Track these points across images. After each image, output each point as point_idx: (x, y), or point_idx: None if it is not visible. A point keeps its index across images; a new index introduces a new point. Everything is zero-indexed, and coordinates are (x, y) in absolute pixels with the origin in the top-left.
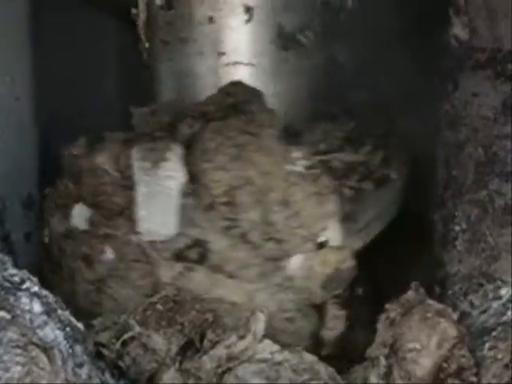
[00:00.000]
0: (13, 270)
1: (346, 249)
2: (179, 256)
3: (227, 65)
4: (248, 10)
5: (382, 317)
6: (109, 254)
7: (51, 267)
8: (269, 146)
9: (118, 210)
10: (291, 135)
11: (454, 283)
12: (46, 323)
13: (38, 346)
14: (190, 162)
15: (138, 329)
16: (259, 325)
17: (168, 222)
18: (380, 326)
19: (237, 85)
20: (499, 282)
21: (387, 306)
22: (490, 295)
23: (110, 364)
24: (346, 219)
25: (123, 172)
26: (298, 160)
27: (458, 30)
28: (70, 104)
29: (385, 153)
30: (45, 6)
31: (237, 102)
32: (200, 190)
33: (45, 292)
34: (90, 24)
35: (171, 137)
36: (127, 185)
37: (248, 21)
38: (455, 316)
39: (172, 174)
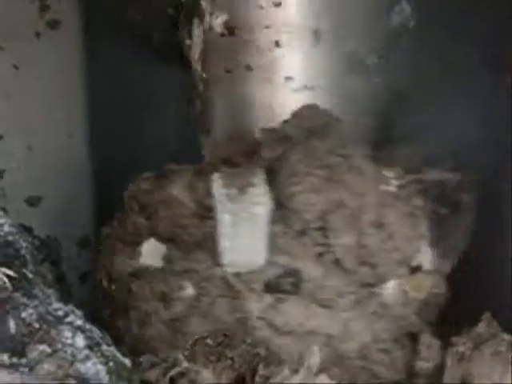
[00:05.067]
0: (57, 304)
1: (438, 273)
2: (270, 287)
3: (295, 90)
4: (316, 33)
5: (451, 351)
6: (189, 290)
7: (114, 312)
8: (359, 167)
9: (196, 243)
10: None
11: None
12: (88, 357)
13: (74, 378)
14: (274, 186)
15: (186, 364)
16: (313, 358)
17: (257, 251)
18: (448, 361)
19: (311, 108)
20: None
21: (455, 339)
22: None
23: None
24: (432, 243)
25: (201, 202)
26: (391, 179)
27: None
28: (124, 143)
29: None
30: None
31: (315, 125)
32: (289, 215)
33: (89, 326)
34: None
35: (251, 163)
36: (206, 215)
37: (315, 45)
38: None
39: (260, 199)
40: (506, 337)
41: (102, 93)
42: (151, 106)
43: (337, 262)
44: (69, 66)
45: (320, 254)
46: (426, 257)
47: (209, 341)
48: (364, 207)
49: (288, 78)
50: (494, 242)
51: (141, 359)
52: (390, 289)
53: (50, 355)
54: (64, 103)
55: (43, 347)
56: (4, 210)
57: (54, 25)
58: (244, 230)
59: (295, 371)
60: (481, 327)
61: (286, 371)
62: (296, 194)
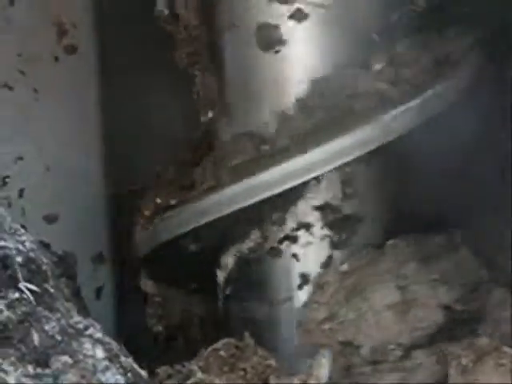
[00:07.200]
0: (77, 318)
1: None
2: None
3: None
4: None
5: (454, 363)
6: None
7: None
8: None
9: None
10: None
11: None
12: (107, 368)
13: None
14: None
15: (200, 375)
16: (322, 369)
17: None
18: (452, 372)
19: None
20: None
21: (458, 352)
22: None
23: None
24: None
25: None
26: None
27: None
28: (138, 164)
29: None
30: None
31: None
32: None
33: (108, 339)
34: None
35: None
36: None
37: None
38: None
39: None
40: (508, 350)
41: (117, 115)
42: (165, 126)
43: None
44: (85, 90)
45: None
46: None
47: (222, 352)
48: None
49: None
50: None
51: (158, 370)
52: None
53: (72, 366)
54: (81, 125)
55: (65, 358)
56: (24, 227)
57: (71, 50)
58: None
59: (305, 381)
60: (483, 341)
61: (296, 382)
62: None
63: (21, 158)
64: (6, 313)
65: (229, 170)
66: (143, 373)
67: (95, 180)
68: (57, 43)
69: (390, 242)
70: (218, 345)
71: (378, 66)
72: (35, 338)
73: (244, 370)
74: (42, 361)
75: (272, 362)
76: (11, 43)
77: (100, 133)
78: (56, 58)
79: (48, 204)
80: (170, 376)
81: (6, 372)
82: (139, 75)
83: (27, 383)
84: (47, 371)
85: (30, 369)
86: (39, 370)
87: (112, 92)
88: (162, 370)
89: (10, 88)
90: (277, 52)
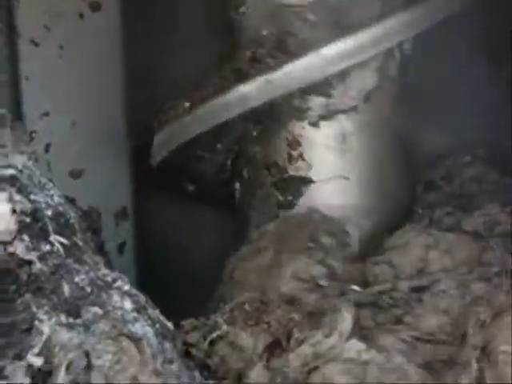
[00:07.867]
0: (105, 270)
1: None
2: None
3: None
4: None
5: (472, 319)
6: None
7: None
8: None
9: None
10: None
11: None
12: (136, 319)
13: (128, 337)
14: None
15: (225, 327)
16: (345, 323)
17: None
18: (470, 328)
19: None
20: None
21: (475, 308)
22: None
23: (199, 363)
24: None
25: None
26: None
27: None
28: None
29: None
30: None
31: None
32: None
33: (135, 291)
34: None
35: None
36: None
37: None
38: None
39: None
40: None
41: (142, 72)
42: (190, 83)
43: None
44: (110, 46)
45: None
46: None
47: (246, 306)
48: None
49: None
50: None
51: (183, 322)
52: None
53: (102, 317)
54: (105, 81)
55: (95, 309)
56: (51, 181)
57: (96, 7)
58: None
59: (328, 335)
60: (501, 297)
61: (320, 335)
62: None
63: (46, 114)
64: (39, 265)
65: None
66: (170, 324)
67: (120, 136)
68: (82, 0)
69: None
70: (243, 299)
71: None
72: (66, 289)
73: (268, 323)
74: (74, 311)
75: (296, 315)
76: None
77: (125, 89)
78: (81, 15)
79: (73, 159)
80: (195, 328)
81: (41, 320)
82: (163, 32)
83: (61, 330)
84: (79, 321)
85: (63, 318)
86: (71, 320)
87: (136, 48)
88: (188, 323)
89: (36, 44)
90: (242, 14)
